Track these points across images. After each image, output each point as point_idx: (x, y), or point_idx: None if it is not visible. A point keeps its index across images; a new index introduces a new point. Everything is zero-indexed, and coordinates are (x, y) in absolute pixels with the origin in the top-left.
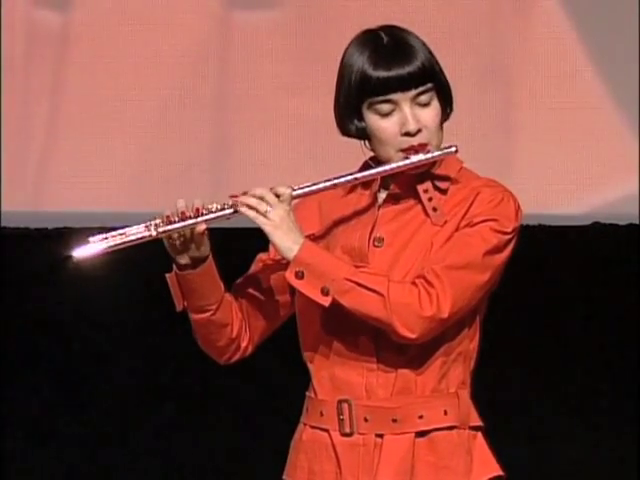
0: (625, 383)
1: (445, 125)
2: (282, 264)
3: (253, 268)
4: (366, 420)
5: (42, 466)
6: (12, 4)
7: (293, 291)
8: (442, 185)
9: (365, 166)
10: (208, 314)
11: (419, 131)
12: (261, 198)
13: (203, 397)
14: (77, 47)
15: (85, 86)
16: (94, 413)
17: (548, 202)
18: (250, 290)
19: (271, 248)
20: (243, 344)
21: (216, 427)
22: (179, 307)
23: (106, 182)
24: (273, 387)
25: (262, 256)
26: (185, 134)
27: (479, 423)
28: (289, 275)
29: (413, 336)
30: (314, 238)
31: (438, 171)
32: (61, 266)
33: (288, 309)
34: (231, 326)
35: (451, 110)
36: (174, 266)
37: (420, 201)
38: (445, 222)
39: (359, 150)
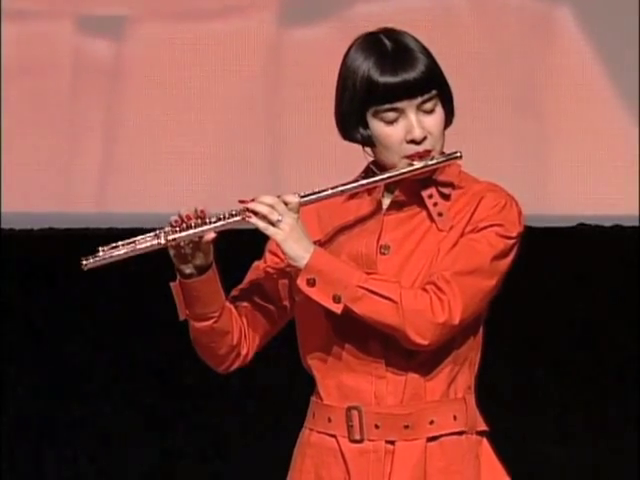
0: (621, 383)
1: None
2: (279, 271)
3: (250, 276)
4: (377, 427)
5: None
6: (59, 34)
7: (292, 298)
8: (445, 190)
9: (367, 171)
10: (211, 322)
11: (424, 138)
12: (271, 207)
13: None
14: (129, 79)
15: (138, 118)
16: (94, 413)
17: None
18: (248, 298)
19: (266, 255)
20: (243, 351)
21: (213, 427)
22: (182, 316)
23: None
24: (273, 390)
25: (258, 264)
26: (240, 165)
27: (485, 428)
28: (300, 282)
29: (425, 343)
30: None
31: (440, 176)
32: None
33: (285, 316)
34: (232, 334)
35: (453, 115)
36: (178, 275)
37: (424, 207)
38: (451, 227)
39: None
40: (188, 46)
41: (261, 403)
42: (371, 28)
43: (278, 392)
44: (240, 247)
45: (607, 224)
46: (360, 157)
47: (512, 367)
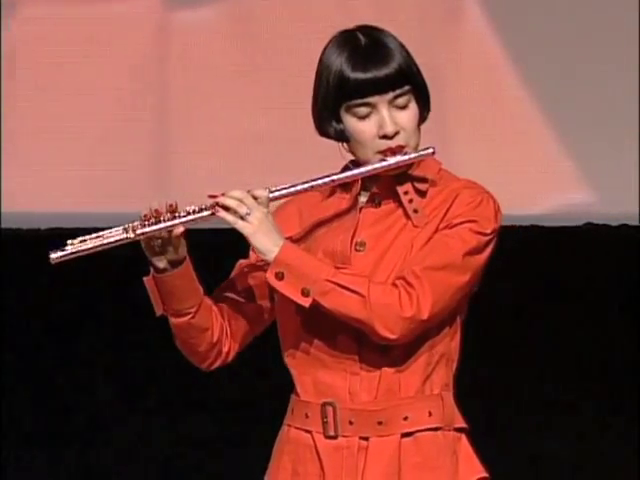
0: (622, 383)
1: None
2: (263, 269)
3: (234, 274)
4: (351, 423)
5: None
6: None
7: (273, 296)
8: (421, 187)
9: (344, 169)
10: (187, 317)
11: (397, 133)
12: (240, 201)
13: (186, 395)
14: (15, 62)
15: (29, 96)
16: (90, 413)
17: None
18: (231, 295)
19: (251, 254)
20: (224, 349)
21: (200, 426)
22: (158, 311)
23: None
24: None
25: (243, 262)
26: (128, 148)
27: (463, 425)
28: (269, 276)
29: (393, 337)
30: (294, 241)
31: (417, 172)
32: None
33: (270, 314)
34: (211, 330)
35: (428, 111)
36: (151, 269)
37: (401, 204)
38: (426, 224)
39: (310, 163)
40: (75, 29)
41: (253, 401)
42: (260, 10)
43: (269, 391)
44: (227, 246)
45: (614, 224)
46: (254, 144)
47: (512, 366)
